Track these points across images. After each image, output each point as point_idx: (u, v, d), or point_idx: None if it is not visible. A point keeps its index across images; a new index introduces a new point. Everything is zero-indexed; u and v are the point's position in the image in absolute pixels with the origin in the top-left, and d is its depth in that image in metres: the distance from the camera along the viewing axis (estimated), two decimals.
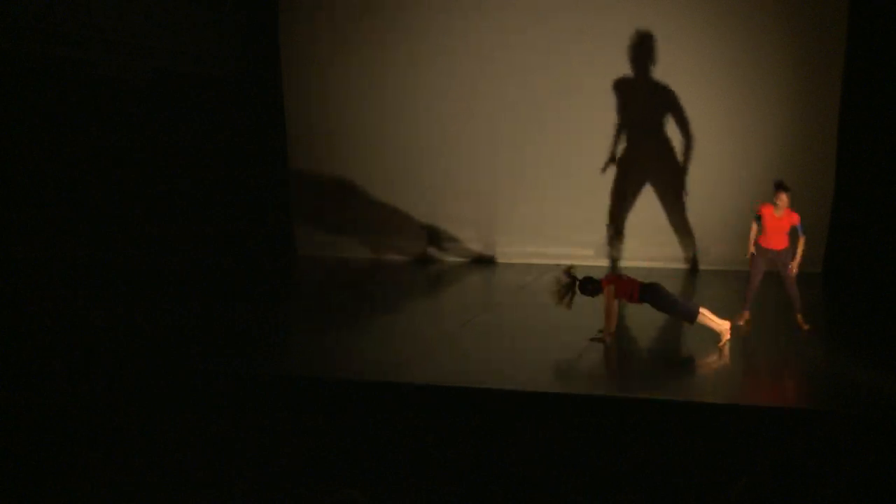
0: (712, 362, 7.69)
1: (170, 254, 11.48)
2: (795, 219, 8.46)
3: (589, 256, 12.22)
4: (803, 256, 8.59)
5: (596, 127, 11.94)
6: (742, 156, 11.51)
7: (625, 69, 11.75)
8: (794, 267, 8.49)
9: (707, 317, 7.91)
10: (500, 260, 12.57)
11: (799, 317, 8.54)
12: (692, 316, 7.93)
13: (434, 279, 11.93)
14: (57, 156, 9.95)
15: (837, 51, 11.03)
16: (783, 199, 8.35)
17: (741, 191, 11.51)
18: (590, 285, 8.09)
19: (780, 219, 8.43)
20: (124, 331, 8.60)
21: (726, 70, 11.46)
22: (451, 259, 12.73)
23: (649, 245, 11.99)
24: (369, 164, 12.84)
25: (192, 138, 11.93)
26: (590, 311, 9.21)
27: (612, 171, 12.03)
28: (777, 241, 8.48)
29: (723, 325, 7.93)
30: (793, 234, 8.54)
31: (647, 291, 7.98)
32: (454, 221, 12.70)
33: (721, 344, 7.85)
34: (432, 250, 12.83)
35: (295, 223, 13.29)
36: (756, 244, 8.59)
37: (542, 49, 11.97)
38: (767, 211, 8.46)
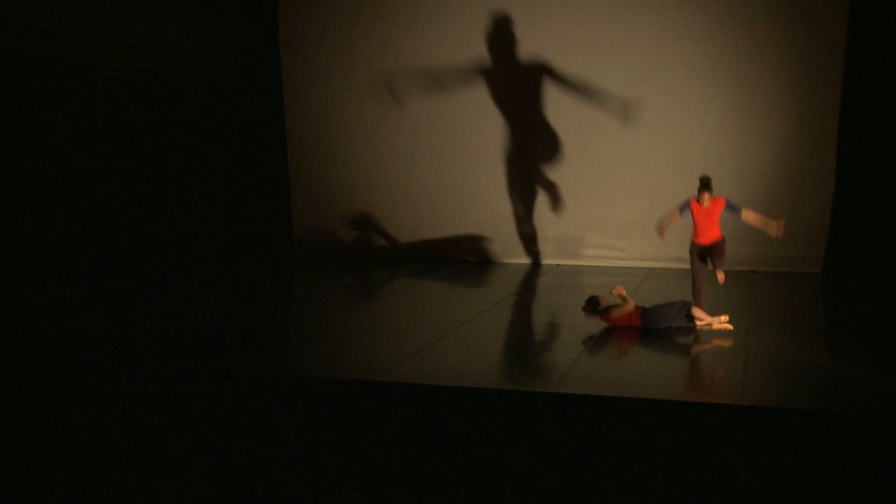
0: (712, 362, 7.68)
1: (170, 254, 11.49)
2: (722, 203, 8.44)
3: (588, 257, 12.24)
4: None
5: (596, 127, 11.94)
6: (742, 156, 11.50)
7: (624, 69, 11.75)
8: (779, 229, 8.48)
9: (703, 318, 8.12)
10: (500, 260, 12.57)
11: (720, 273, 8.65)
12: (691, 319, 8.12)
13: (434, 279, 11.93)
14: (56, 156, 9.96)
15: (837, 51, 11.02)
16: (706, 197, 8.38)
17: (741, 191, 11.50)
18: (597, 306, 8.36)
19: (709, 212, 8.43)
20: (123, 331, 8.60)
21: (726, 70, 11.45)
22: (451, 259, 12.73)
23: (649, 245, 11.99)
24: (369, 163, 12.84)
25: (192, 138, 11.94)
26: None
27: (611, 172, 12.03)
28: (708, 234, 8.49)
29: (719, 319, 8.23)
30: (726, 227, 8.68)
31: (645, 316, 8.26)
32: (454, 221, 12.70)
33: (724, 321, 8.12)
34: (432, 250, 12.83)
35: (295, 223, 13.29)
36: (690, 242, 8.62)
37: (543, 48, 11.99)
38: (695, 206, 8.49)
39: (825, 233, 11.30)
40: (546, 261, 12.30)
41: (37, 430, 7.02)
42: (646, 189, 11.89)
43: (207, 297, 10.39)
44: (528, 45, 12.04)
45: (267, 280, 11.97)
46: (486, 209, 12.56)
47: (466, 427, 6.55)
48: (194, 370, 7.36)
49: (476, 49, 12.22)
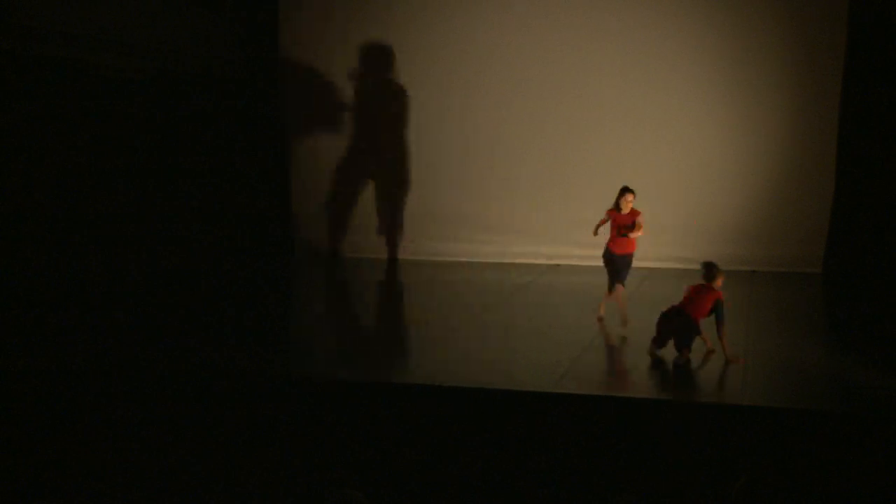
0: (712, 362, 7.68)
1: (170, 254, 11.48)
2: (637, 216, 8.64)
3: (587, 257, 12.23)
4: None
5: (596, 126, 11.94)
6: (742, 156, 11.50)
7: (624, 69, 11.75)
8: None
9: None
10: (501, 260, 12.56)
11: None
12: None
13: (434, 279, 11.92)
14: (56, 156, 9.95)
15: (837, 51, 11.02)
16: (629, 199, 8.60)
17: (742, 191, 11.51)
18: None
19: (626, 220, 8.59)
20: (123, 330, 8.60)
21: (726, 70, 11.45)
22: (451, 259, 12.72)
23: (650, 245, 11.97)
24: (369, 163, 12.84)
25: (192, 138, 11.94)
26: (589, 311, 9.22)
27: (610, 171, 12.01)
28: (621, 243, 8.70)
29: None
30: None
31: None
32: (454, 220, 12.70)
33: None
34: (432, 250, 12.81)
35: (295, 223, 13.28)
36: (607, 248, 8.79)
37: (543, 48, 11.99)
38: (612, 214, 8.72)
39: (825, 233, 11.29)
40: (545, 261, 12.28)
41: (38, 430, 7.02)
42: (646, 189, 11.84)
43: (207, 297, 10.38)
44: (529, 46, 12.04)
45: (265, 280, 11.96)
46: (487, 209, 12.56)
47: (466, 427, 6.55)
48: (194, 370, 7.37)
49: (476, 49, 12.23)
